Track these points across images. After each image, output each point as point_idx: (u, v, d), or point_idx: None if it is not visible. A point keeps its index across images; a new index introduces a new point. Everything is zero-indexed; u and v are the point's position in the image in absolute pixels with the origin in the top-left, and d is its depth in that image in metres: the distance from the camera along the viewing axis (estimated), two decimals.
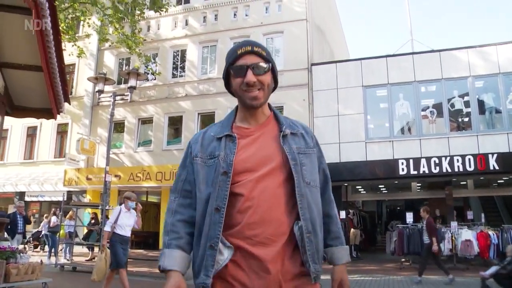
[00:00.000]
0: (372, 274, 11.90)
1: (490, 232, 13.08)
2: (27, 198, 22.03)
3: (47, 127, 22.21)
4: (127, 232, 7.87)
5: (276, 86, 1.89)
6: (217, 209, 1.64)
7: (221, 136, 1.78)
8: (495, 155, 15.03)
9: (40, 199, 21.88)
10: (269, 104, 1.90)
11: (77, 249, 15.87)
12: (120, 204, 8.34)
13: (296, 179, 1.70)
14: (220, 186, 1.67)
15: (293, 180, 1.70)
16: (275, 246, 1.62)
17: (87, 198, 20.49)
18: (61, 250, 15.35)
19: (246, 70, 1.74)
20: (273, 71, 1.83)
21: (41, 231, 17.59)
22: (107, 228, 7.76)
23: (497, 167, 14.93)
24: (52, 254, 14.75)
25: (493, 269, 8.60)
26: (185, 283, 1.66)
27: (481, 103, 16.49)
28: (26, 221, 13.02)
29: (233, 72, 1.79)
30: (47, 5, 3.58)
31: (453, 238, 13.17)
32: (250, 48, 1.77)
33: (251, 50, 1.77)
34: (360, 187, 20.21)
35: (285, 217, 1.66)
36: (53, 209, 16.17)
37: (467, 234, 13.05)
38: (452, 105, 16.72)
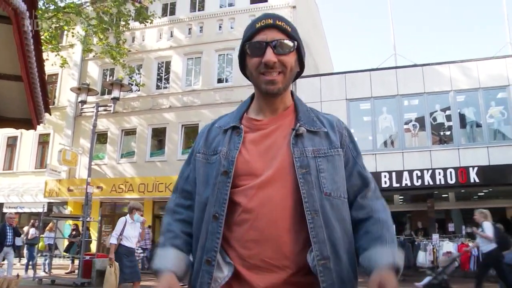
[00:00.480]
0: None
1: (471, 244, 13.20)
2: (5, 210, 21.57)
3: (28, 137, 21.90)
4: (133, 244, 7.71)
5: (302, 71, 1.58)
6: (215, 217, 1.37)
7: (227, 128, 1.50)
8: (475, 168, 15.22)
9: (20, 210, 21.47)
10: (292, 93, 1.59)
11: (56, 261, 15.60)
12: (127, 215, 8.08)
13: (305, 191, 1.35)
14: (219, 189, 1.39)
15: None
16: (274, 273, 1.31)
17: (68, 210, 20.20)
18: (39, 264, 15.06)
19: (266, 47, 1.42)
20: (299, 52, 1.51)
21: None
22: (113, 240, 7.55)
23: (477, 180, 15.12)
24: (30, 267, 14.45)
25: (426, 280, 8.75)
26: (179, 285, 1.39)
27: (462, 117, 16.73)
28: (16, 233, 12.41)
29: (249, 49, 1.46)
30: (27, 14, 3.55)
31: (435, 250, 13.26)
32: (271, 21, 1.45)
33: (272, 24, 1.45)
34: None
35: (289, 236, 1.33)
36: (31, 221, 15.88)
37: (448, 246, 13.17)
38: (434, 119, 16.93)
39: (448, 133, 16.84)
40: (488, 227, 8.91)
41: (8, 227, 11.95)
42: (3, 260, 11.97)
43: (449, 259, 9.75)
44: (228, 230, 1.37)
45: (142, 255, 16.05)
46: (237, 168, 1.40)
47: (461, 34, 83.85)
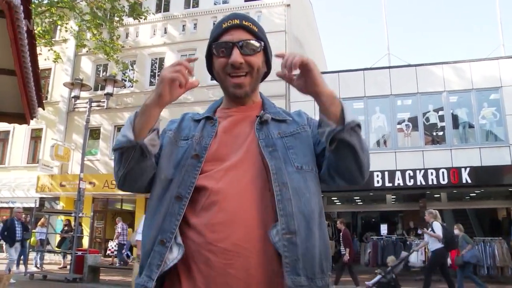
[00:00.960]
0: (346, 285, 11.94)
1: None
2: None
3: (20, 132, 21.74)
4: None
5: (269, 71, 1.56)
6: (178, 198, 1.30)
7: (200, 118, 1.50)
8: (467, 169, 15.31)
9: (11, 205, 21.34)
10: (260, 94, 1.57)
11: (48, 257, 15.54)
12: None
13: (273, 164, 1.31)
14: (188, 171, 1.34)
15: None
16: (245, 257, 1.22)
17: (60, 205, 20.12)
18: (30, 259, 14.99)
19: (232, 48, 1.40)
20: (266, 53, 1.50)
21: None
22: (139, 237, 7.48)
23: (469, 181, 15.21)
24: (21, 262, 14.37)
25: (376, 278, 9.09)
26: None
27: (455, 118, 16.82)
28: (25, 227, 12.25)
29: (216, 50, 1.45)
30: (21, 8, 3.53)
31: (426, 250, 13.32)
32: (238, 21, 1.44)
33: (239, 24, 1.43)
34: (335, 198, 20.33)
35: (259, 217, 1.26)
36: (23, 216, 15.78)
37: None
38: (427, 119, 17.01)
39: (440, 133, 16.92)
40: (437, 227, 9.27)
41: (16, 222, 11.82)
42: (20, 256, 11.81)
43: (398, 259, 9.97)
44: (196, 216, 1.29)
45: (116, 251, 16.21)
46: (207, 154, 1.37)
47: (455, 35, 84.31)
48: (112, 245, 16.86)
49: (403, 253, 10.97)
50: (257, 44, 1.44)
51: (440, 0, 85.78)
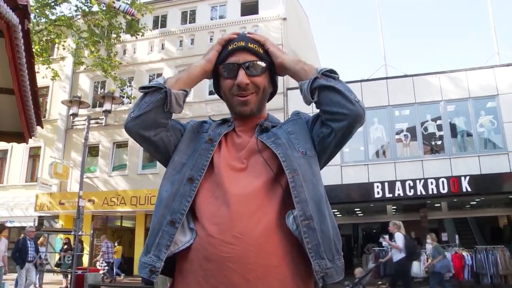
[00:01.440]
0: None
1: (464, 253, 13.22)
2: None
3: (18, 151, 21.69)
4: None
5: (275, 91, 1.62)
6: (190, 179, 1.35)
7: (216, 120, 1.59)
8: (467, 177, 15.30)
9: (9, 224, 21.20)
10: (268, 114, 1.62)
11: (47, 277, 15.40)
12: None
13: (280, 152, 1.36)
14: (201, 154, 1.40)
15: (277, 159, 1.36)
16: (244, 251, 1.22)
17: (59, 224, 19.99)
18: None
19: (238, 69, 1.46)
20: (271, 73, 1.54)
21: None
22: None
23: (469, 189, 15.18)
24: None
25: None
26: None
27: (453, 127, 16.85)
28: (36, 248, 11.79)
29: (222, 71, 1.50)
30: (20, 27, 3.54)
31: (429, 260, 13.24)
32: (243, 43, 1.49)
33: (244, 46, 1.48)
34: (336, 210, 20.24)
35: (261, 209, 1.28)
36: (22, 235, 15.65)
37: None
38: (426, 129, 17.03)
39: (439, 142, 16.94)
40: (399, 238, 9.56)
41: (29, 242, 11.39)
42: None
43: (366, 271, 10.30)
44: (198, 209, 1.33)
45: (106, 268, 16.09)
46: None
47: (450, 45, 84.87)
48: (99, 263, 16.69)
49: (371, 265, 11.03)
50: (262, 64, 1.48)
51: (435, 10, 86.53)
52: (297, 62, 1.50)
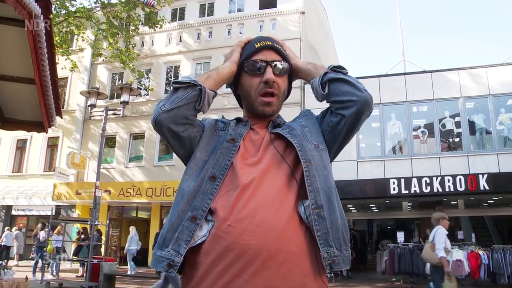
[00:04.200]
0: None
1: (481, 252, 13.06)
2: (14, 212, 21.75)
3: (37, 140, 22.02)
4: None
5: (289, 93, 1.66)
6: (212, 177, 1.38)
7: (231, 119, 1.60)
8: (485, 176, 15.10)
9: (28, 213, 21.59)
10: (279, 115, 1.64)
11: (64, 265, 15.62)
12: None
13: (296, 142, 1.41)
14: (223, 153, 1.42)
15: (294, 153, 1.40)
16: (265, 237, 1.24)
17: (76, 213, 20.26)
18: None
19: (266, 66, 1.49)
20: (290, 76, 1.60)
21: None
22: (442, 254, 7.30)
23: (487, 187, 14.99)
24: (38, 269, 14.46)
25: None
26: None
27: (471, 124, 16.63)
28: None
29: (248, 68, 1.52)
30: (42, 17, 3.57)
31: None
32: (270, 43, 1.53)
33: (271, 46, 1.53)
34: (351, 206, 20.19)
35: (279, 199, 1.31)
36: (40, 224, 15.88)
37: (458, 254, 13.00)
38: (443, 126, 16.84)
39: (457, 139, 16.74)
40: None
41: None
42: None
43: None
44: (215, 202, 1.35)
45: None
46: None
47: (471, 41, 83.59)
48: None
49: None
50: (286, 65, 1.53)
51: (454, 6, 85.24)
52: (308, 63, 1.59)
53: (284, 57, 1.54)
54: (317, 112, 1.64)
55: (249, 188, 1.31)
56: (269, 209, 1.28)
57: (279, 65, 1.50)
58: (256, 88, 1.51)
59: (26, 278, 7.82)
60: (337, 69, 1.48)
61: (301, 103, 17.56)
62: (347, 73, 1.48)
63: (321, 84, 1.46)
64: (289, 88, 1.64)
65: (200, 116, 1.51)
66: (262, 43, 1.52)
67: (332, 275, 14.56)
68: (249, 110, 1.57)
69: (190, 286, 1.31)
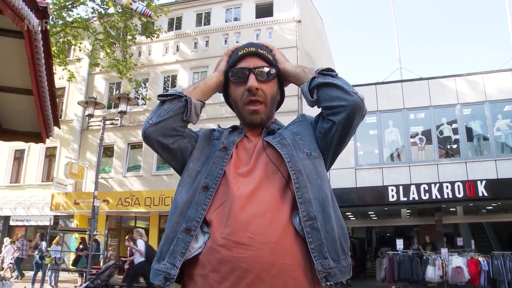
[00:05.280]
0: None
1: (480, 259, 13.05)
2: (12, 223, 21.65)
3: (35, 151, 21.97)
4: None
5: (282, 99, 1.64)
6: (205, 188, 1.36)
7: (227, 128, 1.59)
8: (483, 182, 15.11)
9: (26, 223, 21.49)
10: (275, 120, 1.62)
11: (63, 275, 15.53)
12: None
13: (285, 152, 1.38)
14: (215, 163, 1.40)
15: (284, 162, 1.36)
16: (258, 250, 1.22)
17: (74, 223, 20.19)
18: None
19: (249, 74, 1.47)
20: (280, 80, 1.56)
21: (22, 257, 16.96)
22: None
23: (486, 194, 14.99)
24: (37, 280, 14.37)
25: (84, 285, 10.34)
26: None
27: (469, 130, 16.66)
28: None
29: (232, 76, 1.51)
30: (39, 28, 3.59)
31: (444, 265, 13.11)
32: (253, 49, 1.50)
33: (255, 52, 1.50)
34: (349, 213, 20.16)
35: (273, 210, 1.28)
36: (38, 234, 15.81)
37: (457, 261, 13.01)
38: (441, 132, 16.87)
39: (455, 146, 16.76)
40: (141, 244, 11.16)
41: None
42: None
43: (104, 266, 11.60)
44: (209, 214, 1.33)
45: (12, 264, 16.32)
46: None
47: (467, 48, 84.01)
48: (9, 258, 16.77)
49: (111, 262, 12.54)
50: (272, 71, 1.50)
51: (450, 13, 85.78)
52: (297, 67, 1.52)
53: (270, 62, 1.51)
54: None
55: (241, 200, 1.29)
56: (262, 221, 1.25)
57: (263, 70, 1.47)
58: (241, 97, 1.49)
59: None
60: (326, 72, 1.42)
61: (299, 111, 17.60)
62: (336, 75, 1.43)
63: (309, 90, 1.42)
64: (282, 93, 1.61)
65: (197, 127, 1.51)
66: (245, 50, 1.51)
67: (332, 283, 14.50)
68: (240, 119, 1.56)
69: None
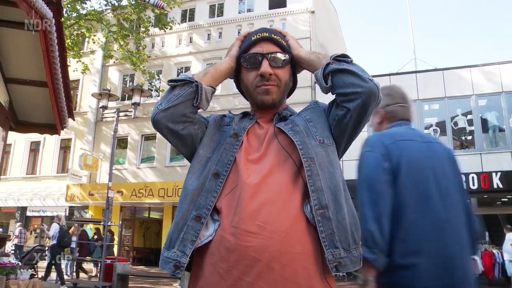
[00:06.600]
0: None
1: (495, 251, 12.95)
2: (28, 213, 21.98)
3: (50, 142, 22.24)
4: None
5: (294, 87, 1.62)
6: (216, 175, 1.34)
7: (238, 114, 1.57)
8: (498, 174, 14.95)
9: (42, 214, 21.82)
10: (287, 106, 1.59)
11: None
12: None
13: (298, 139, 1.35)
14: (226, 149, 1.39)
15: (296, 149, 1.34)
16: (267, 239, 1.20)
17: (89, 214, 20.42)
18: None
19: (262, 59, 1.44)
20: (293, 66, 1.53)
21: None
22: None
23: (500, 186, 14.84)
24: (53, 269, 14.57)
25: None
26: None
27: (484, 122, 16.46)
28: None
29: (244, 62, 1.48)
30: (53, 21, 3.62)
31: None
32: (267, 34, 1.48)
33: (268, 37, 1.47)
34: None
35: (284, 198, 1.26)
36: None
37: None
38: (456, 124, 16.69)
39: (469, 137, 16.58)
40: (53, 227, 12.00)
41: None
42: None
43: (26, 251, 12.45)
44: (219, 201, 1.31)
45: (13, 250, 16.44)
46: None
47: (483, 38, 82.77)
48: (9, 245, 16.97)
49: (33, 246, 13.14)
50: (285, 56, 1.47)
51: (465, 4, 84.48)
52: (311, 53, 1.49)
53: (284, 48, 1.48)
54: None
55: (251, 187, 1.27)
56: (272, 209, 1.23)
57: (277, 56, 1.45)
58: (252, 81, 1.46)
59: (42, 277, 7.91)
60: (341, 58, 1.38)
61: None
62: (351, 61, 1.38)
63: (323, 76, 1.38)
64: (294, 80, 1.58)
65: (207, 113, 1.50)
66: (259, 35, 1.48)
67: (345, 274, 14.49)
68: (252, 104, 1.53)
69: (195, 287, 1.29)
